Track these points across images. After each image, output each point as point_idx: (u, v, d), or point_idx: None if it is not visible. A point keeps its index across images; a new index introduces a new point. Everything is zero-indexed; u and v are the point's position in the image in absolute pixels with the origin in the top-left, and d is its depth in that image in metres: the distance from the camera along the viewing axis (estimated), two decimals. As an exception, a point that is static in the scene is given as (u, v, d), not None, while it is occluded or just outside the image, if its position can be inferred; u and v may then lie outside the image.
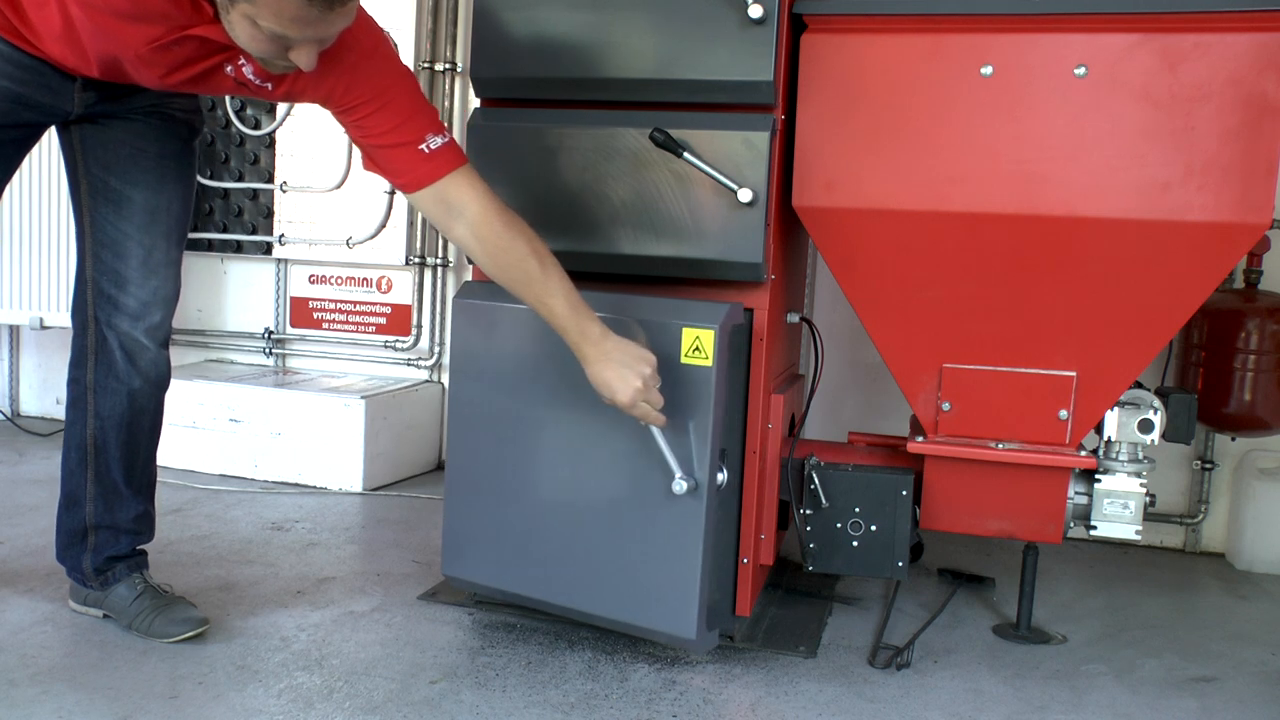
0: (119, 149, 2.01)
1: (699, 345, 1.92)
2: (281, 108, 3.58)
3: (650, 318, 1.97)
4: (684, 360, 1.93)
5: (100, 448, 2.13)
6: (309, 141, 3.58)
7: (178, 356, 3.94)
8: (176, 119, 2.06)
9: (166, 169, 2.05)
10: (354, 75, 1.80)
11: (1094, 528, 2.19)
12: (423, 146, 1.82)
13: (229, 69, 1.79)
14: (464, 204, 1.85)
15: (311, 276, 3.79)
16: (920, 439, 2.20)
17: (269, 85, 1.81)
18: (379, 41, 1.84)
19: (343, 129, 1.89)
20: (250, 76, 1.79)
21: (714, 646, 2.10)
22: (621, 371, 1.84)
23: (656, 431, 1.92)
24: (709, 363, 1.92)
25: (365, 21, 1.81)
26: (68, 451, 2.17)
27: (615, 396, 1.86)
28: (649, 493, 1.98)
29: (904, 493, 2.20)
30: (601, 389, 1.87)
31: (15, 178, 3.68)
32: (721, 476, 1.99)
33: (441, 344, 3.69)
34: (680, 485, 1.91)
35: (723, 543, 2.06)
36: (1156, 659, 2.29)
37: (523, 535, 2.16)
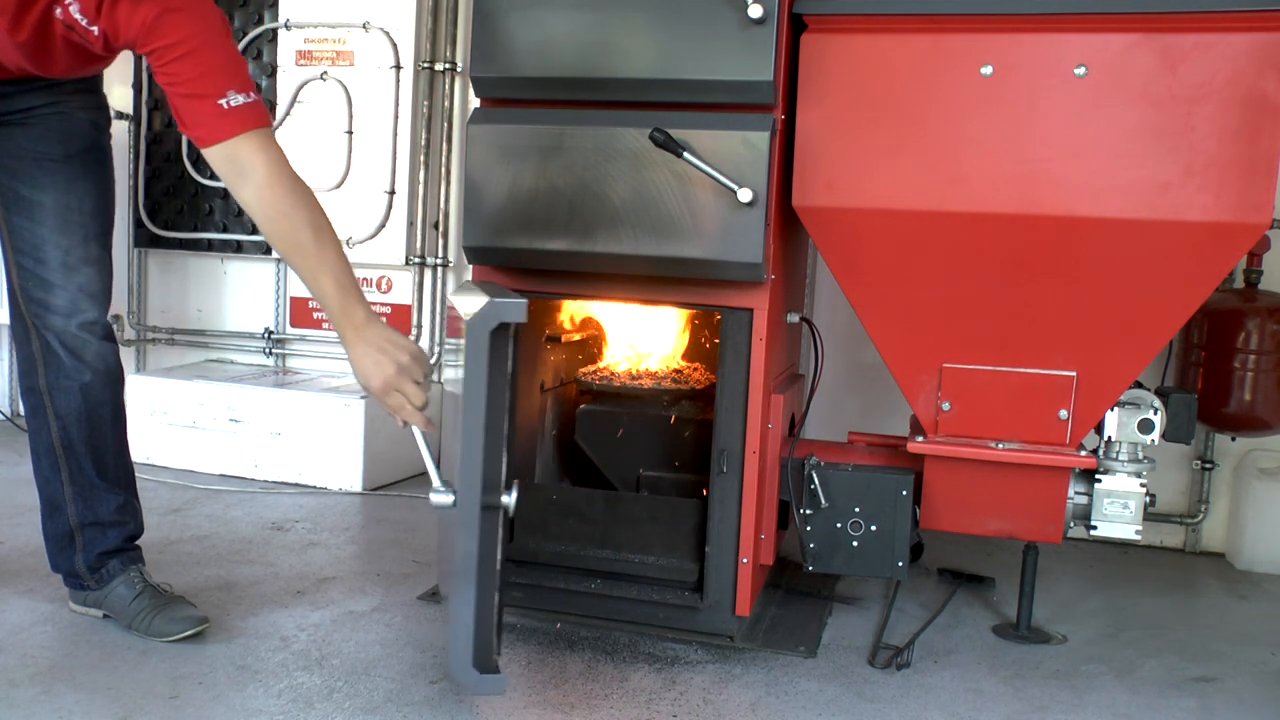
0: (23, 156, 2.04)
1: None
2: (281, 107, 3.58)
3: (461, 310, 1.80)
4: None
5: (68, 448, 2.15)
6: (309, 141, 3.58)
7: (177, 356, 3.95)
8: (77, 118, 2.08)
9: (74, 169, 2.07)
10: (165, 15, 1.79)
11: (1094, 528, 2.19)
12: (222, 102, 1.81)
13: (58, 12, 1.81)
14: (253, 166, 1.84)
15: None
16: (920, 439, 2.20)
17: (95, 29, 1.82)
18: None
19: (158, 83, 1.89)
20: (77, 16, 1.80)
21: (497, 693, 1.81)
22: (377, 357, 1.80)
23: (418, 433, 1.82)
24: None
25: None
26: (38, 460, 2.19)
27: (369, 382, 1.82)
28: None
29: (904, 493, 2.20)
30: (357, 374, 1.84)
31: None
32: (507, 499, 1.76)
33: (441, 344, 3.68)
34: (434, 497, 1.74)
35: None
36: (1156, 659, 2.29)
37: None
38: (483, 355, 1.64)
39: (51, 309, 2.09)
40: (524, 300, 1.66)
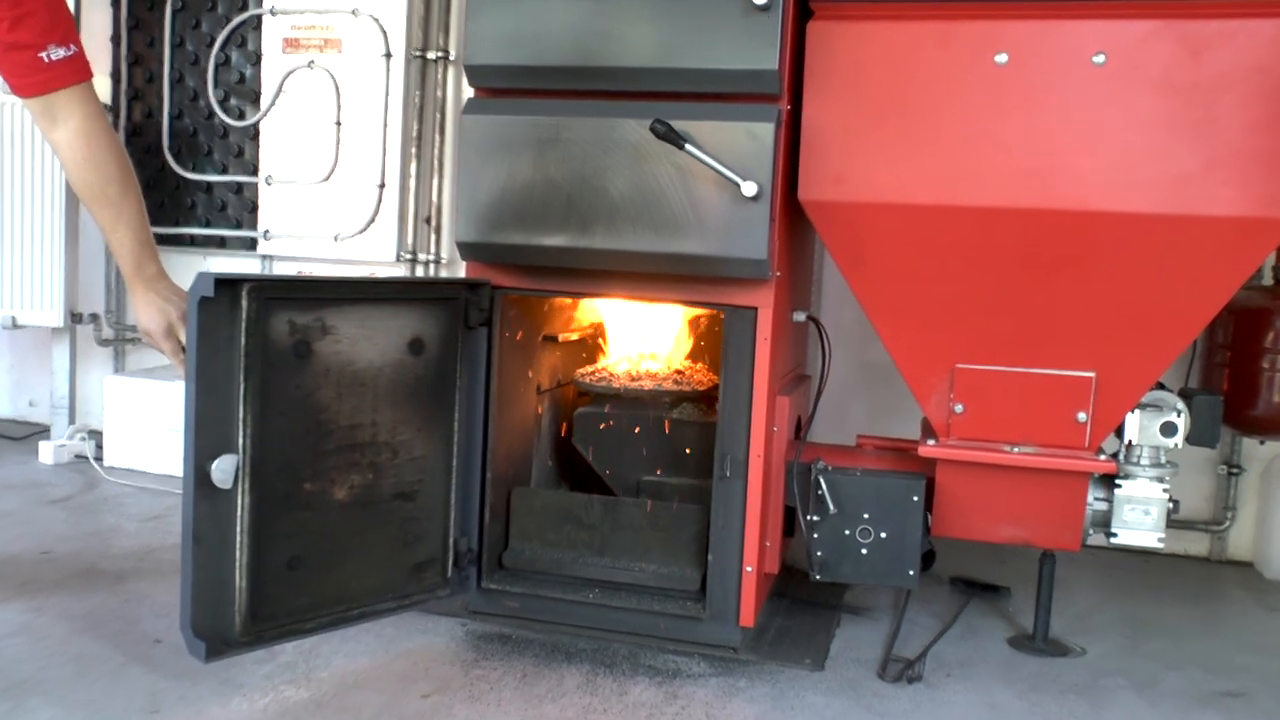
0: None
1: None
2: (266, 97, 3.53)
3: None
4: None
5: None
6: (295, 133, 3.52)
7: (157, 356, 3.88)
8: None
9: None
10: None
11: (1114, 535, 2.17)
12: (43, 55, 1.86)
13: None
14: (70, 116, 1.91)
15: (298, 273, 3.74)
16: (932, 442, 2.18)
17: None
18: None
19: None
20: None
21: (196, 658, 1.78)
22: (162, 304, 1.95)
23: None
24: None
25: None
26: None
27: (150, 325, 1.95)
28: None
29: (915, 498, 2.18)
30: (141, 319, 1.96)
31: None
32: (217, 468, 1.76)
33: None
34: None
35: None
36: (1179, 672, 2.26)
37: None
38: (193, 325, 1.77)
39: None
40: (212, 275, 1.75)
